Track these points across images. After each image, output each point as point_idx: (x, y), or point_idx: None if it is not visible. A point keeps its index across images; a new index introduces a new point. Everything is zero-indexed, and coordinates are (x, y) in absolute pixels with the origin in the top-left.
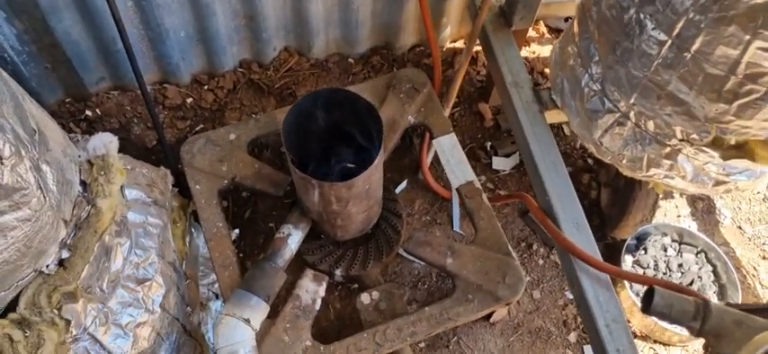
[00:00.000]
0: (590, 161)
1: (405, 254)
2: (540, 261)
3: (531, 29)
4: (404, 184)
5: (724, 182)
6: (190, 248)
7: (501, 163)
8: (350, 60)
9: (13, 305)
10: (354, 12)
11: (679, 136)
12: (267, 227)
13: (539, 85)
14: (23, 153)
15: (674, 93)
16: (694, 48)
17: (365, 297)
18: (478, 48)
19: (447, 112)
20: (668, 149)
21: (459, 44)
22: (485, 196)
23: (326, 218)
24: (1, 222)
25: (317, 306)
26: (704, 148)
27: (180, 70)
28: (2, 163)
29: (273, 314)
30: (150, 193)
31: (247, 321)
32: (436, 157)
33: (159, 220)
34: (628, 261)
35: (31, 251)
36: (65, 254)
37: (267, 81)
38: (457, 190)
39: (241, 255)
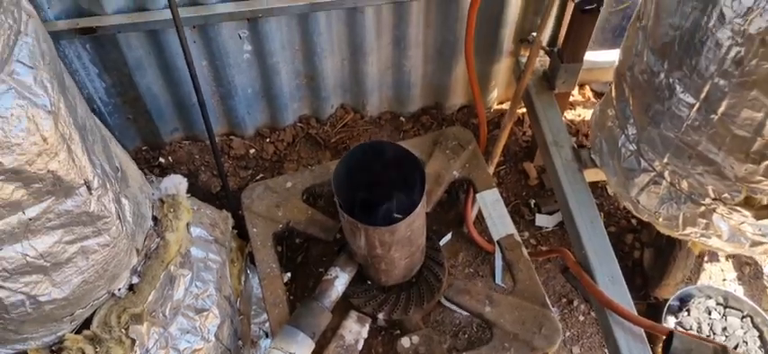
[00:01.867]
0: (634, 221)
1: (446, 303)
2: (581, 318)
3: (577, 92)
4: (448, 237)
5: (761, 243)
6: (244, 287)
7: (544, 221)
8: (401, 118)
9: (87, 323)
10: (406, 74)
11: (712, 195)
12: (317, 272)
13: (582, 146)
14: (108, 186)
15: (705, 153)
16: (721, 110)
17: (405, 341)
18: (524, 110)
19: (492, 169)
20: (703, 208)
21: (506, 106)
22: (524, 249)
23: (371, 263)
24: (85, 245)
25: (360, 347)
26: (737, 207)
27: (245, 123)
28: (90, 194)
29: (318, 352)
30: (212, 232)
31: None
32: (480, 213)
33: (219, 257)
34: (670, 322)
35: (107, 274)
36: (135, 280)
37: (324, 135)
38: (498, 242)
39: (291, 297)
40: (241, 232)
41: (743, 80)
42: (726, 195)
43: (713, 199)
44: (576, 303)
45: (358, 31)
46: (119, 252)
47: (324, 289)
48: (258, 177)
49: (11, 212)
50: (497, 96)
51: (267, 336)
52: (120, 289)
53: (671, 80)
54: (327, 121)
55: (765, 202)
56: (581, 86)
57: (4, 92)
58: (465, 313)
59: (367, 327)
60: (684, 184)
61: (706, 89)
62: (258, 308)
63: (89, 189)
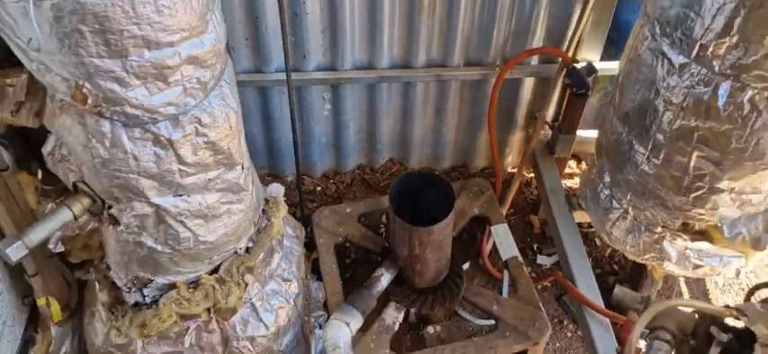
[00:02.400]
0: (616, 266)
1: (463, 314)
2: (569, 334)
3: (575, 166)
4: (467, 265)
5: (700, 266)
6: (307, 287)
7: (543, 260)
8: (436, 172)
9: (215, 271)
10: (443, 138)
11: (660, 224)
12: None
13: (573, 196)
14: (249, 171)
15: (654, 191)
16: (662, 157)
17: (430, 329)
18: (532, 174)
19: (504, 211)
20: (656, 236)
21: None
22: (525, 268)
23: (409, 263)
24: (231, 208)
25: (396, 328)
26: (678, 233)
27: (316, 166)
28: (242, 172)
29: (364, 330)
30: (294, 231)
31: (347, 324)
32: (493, 249)
33: (298, 249)
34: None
35: (236, 233)
36: (250, 244)
37: (374, 181)
38: (505, 261)
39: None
40: (308, 245)
41: (672, 134)
42: (669, 222)
43: (662, 227)
44: (565, 323)
45: (409, 101)
46: (246, 219)
47: (372, 282)
48: None
49: (201, 171)
50: (511, 161)
51: (321, 327)
52: (240, 248)
53: (630, 138)
54: (378, 170)
55: (697, 228)
56: (577, 159)
57: (216, 97)
58: (477, 322)
59: (402, 314)
60: (642, 217)
61: (651, 142)
62: (314, 306)
63: (242, 168)
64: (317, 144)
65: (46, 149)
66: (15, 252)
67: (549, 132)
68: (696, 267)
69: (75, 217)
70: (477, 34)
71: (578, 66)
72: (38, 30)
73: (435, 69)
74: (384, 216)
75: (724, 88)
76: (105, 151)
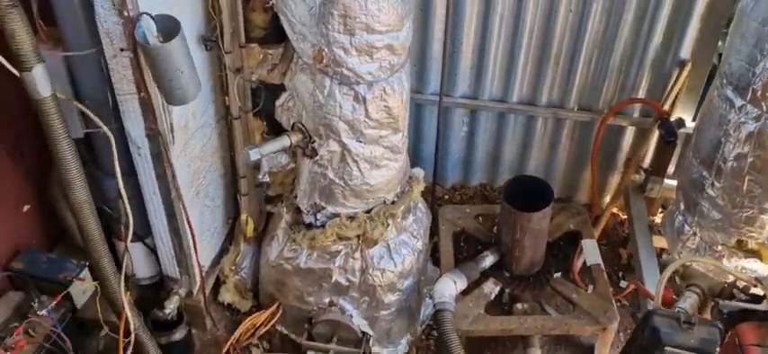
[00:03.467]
0: None
1: (547, 308)
2: None
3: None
4: (558, 274)
5: None
6: (426, 257)
7: (624, 284)
8: None
9: (368, 212)
10: (553, 170)
11: (720, 241)
12: None
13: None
14: (406, 140)
15: (716, 211)
16: (722, 181)
17: (519, 305)
18: (626, 216)
19: (596, 234)
20: (716, 254)
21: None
22: (604, 273)
23: (510, 249)
24: (389, 164)
25: (492, 297)
26: (734, 251)
27: (447, 178)
28: (403, 137)
29: (466, 293)
30: (425, 209)
31: (454, 282)
32: (582, 267)
33: (426, 222)
34: None
35: (388, 186)
36: (395, 199)
37: (492, 197)
38: (589, 266)
39: None
40: (431, 234)
41: (731, 162)
42: (726, 240)
43: (721, 245)
44: None
45: (530, 133)
46: (397, 177)
47: (478, 259)
48: None
49: (377, 127)
50: (608, 200)
51: (430, 298)
52: (387, 200)
53: (700, 168)
54: (497, 189)
55: (750, 246)
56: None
57: (397, 78)
58: (555, 314)
59: (498, 288)
60: (706, 236)
61: (715, 169)
62: (427, 282)
63: (403, 135)
64: (451, 158)
65: (279, 102)
66: (254, 155)
67: (643, 175)
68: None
69: (291, 145)
70: (591, 84)
71: (671, 119)
72: (307, 12)
73: (554, 109)
74: (495, 220)
75: None
76: (323, 98)
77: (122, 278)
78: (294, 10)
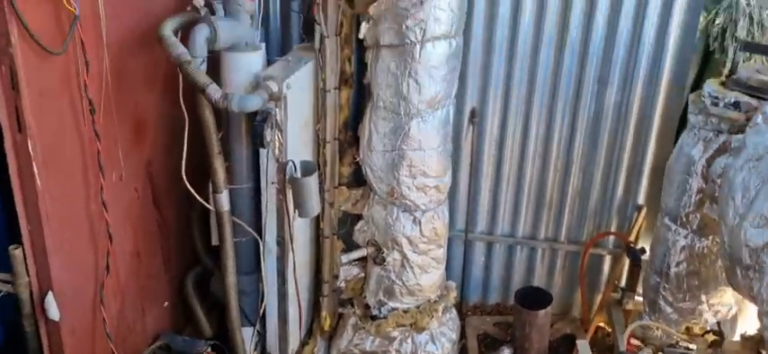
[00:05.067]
0: None
1: None
2: None
3: None
4: None
5: None
6: None
7: None
8: None
9: (417, 308)
10: (552, 290)
11: (674, 329)
12: None
13: None
14: (445, 253)
15: (667, 310)
16: (667, 288)
17: None
18: (610, 330)
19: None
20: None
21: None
22: None
23: (521, 343)
24: (434, 272)
25: None
26: (685, 336)
27: (469, 298)
28: (444, 250)
29: None
30: (455, 314)
31: None
32: None
33: (458, 322)
34: None
35: (432, 288)
36: (436, 299)
37: (506, 311)
38: None
39: None
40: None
41: (677, 275)
42: (678, 328)
43: (675, 333)
44: None
45: (532, 261)
46: (438, 281)
47: (498, 350)
48: None
49: (429, 244)
50: (594, 313)
51: None
52: (431, 299)
53: (657, 280)
54: (509, 306)
55: (695, 330)
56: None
57: (446, 212)
58: None
59: None
60: (664, 328)
61: (669, 283)
62: None
63: (443, 250)
64: (472, 282)
65: (357, 227)
66: (344, 258)
67: (620, 292)
68: None
69: (368, 255)
70: (576, 223)
71: (637, 247)
72: (384, 164)
73: (550, 242)
74: (510, 325)
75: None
76: (391, 221)
77: (250, 346)
78: (376, 162)
